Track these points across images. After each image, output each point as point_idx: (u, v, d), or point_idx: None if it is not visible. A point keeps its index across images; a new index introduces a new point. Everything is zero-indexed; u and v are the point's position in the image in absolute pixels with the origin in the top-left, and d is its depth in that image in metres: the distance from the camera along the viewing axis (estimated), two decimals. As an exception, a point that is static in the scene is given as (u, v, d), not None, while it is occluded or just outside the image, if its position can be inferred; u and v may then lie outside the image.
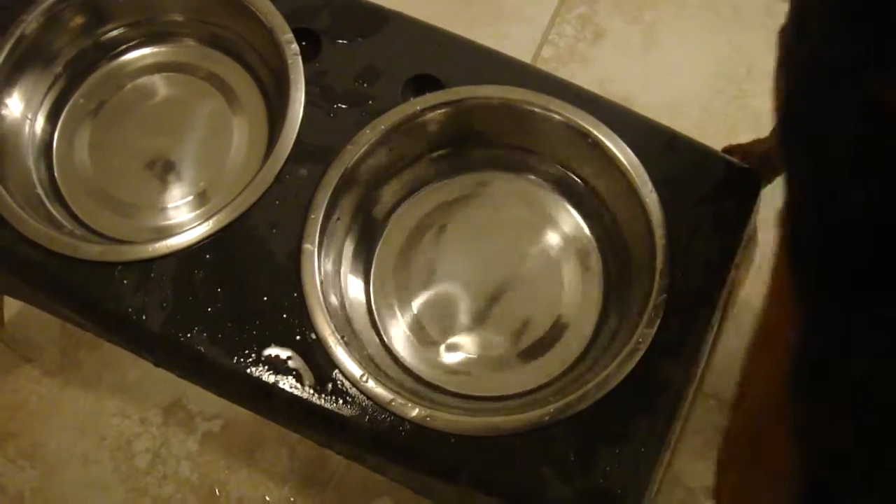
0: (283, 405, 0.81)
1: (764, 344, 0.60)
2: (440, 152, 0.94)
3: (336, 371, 0.80)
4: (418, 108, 0.90)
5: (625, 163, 0.87)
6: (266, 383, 0.81)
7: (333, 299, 0.86)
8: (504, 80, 0.91)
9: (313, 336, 0.82)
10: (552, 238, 0.92)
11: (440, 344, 0.89)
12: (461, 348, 0.88)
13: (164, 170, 0.97)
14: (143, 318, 0.83)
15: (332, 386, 0.80)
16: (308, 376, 0.81)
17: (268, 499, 1.20)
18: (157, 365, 0.90)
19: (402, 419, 0.78)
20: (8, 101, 0.95)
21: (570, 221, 0.93)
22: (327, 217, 0.87)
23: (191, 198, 0.95)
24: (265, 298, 0.84)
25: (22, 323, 1.30)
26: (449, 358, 0.88)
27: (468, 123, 0.92)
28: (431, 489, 0.88)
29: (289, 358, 0.81)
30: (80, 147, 0.98)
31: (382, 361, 0.87)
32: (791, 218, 0.50)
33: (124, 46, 1.02)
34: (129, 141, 0.98)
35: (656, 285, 0.82)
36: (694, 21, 1.45)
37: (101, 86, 1.01)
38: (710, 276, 0.84)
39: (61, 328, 1.29)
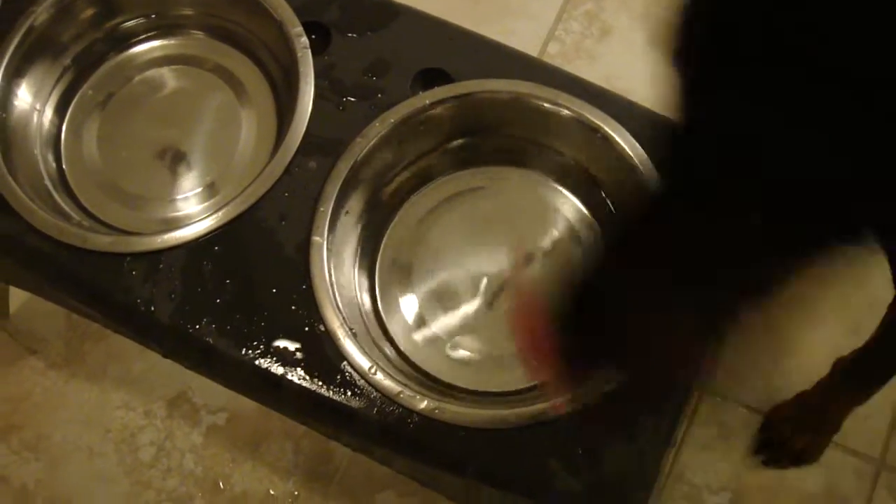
0: (292, 397, 0.81)
1: None
2: (448, 145, 0.94)
3: (344, 363, 0.80)
4: (427, 101, 0.90)
5: (632, 156, 0.87)
6: (274, 375, 0.81)
7: (342, 291, 0.86)
8: (512, 75, 0.91)
9: (322, 328, 0.82)
10: (559, 231, 0.92)
11: (446, 338, 0.89)
12: (468, 342, 0.88)
13: (172, 162, 0.97)
14: (152, 309, 0.84)
15: (341, 378, 0.80)
16: (316, 368, 0.81)
17: (272, 492, 1.20)
18: (165, 356, 0.90)
19: (410, 411, 0.78)
20: (17, 92, 0.95)
21: (577, 214, 0.93)
22: (336, 209, 0.87)
23: (199, 190, 0.96)
24: (274, 290, 0.84)
25: (27, 315, 1.30)
26: (455, 352, 0.88)
27: (477, 117, 0.93)
28: (439, 481, 0.88)
29: (297, 349, 0.82)
30: (88, 139, 0.98)
31: (389, 354, 0.87)
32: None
33: (134, 39, 1.02)
34: (137, 133, 0.98)
35: (664, 280, 0.82)
36: (700, 19, 1.45)
37: (110, 78, 1.01)
38: (717, 271, 0.84)
39: (66, 320, 1.29)
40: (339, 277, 0.87)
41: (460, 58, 0.93)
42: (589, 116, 0.89)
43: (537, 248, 0.92)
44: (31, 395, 1.26)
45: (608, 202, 0.92)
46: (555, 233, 0.92)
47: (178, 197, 0.95)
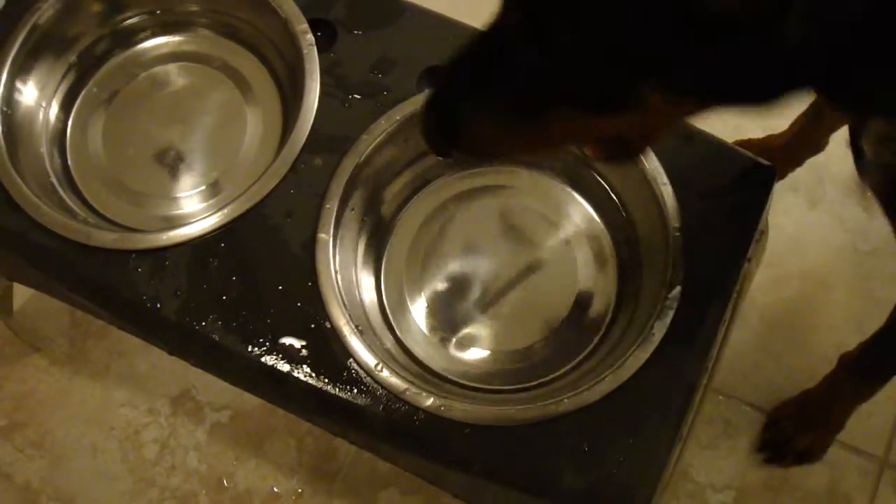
0: (298, 394, 0.81)
1: None
2: (454, 144, 0.94)
3: (350, 360, 0.81)
4: (433, 99, 0.90)
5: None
6: (280, 372, 0.81)
7: (348, 288, 0.86)
8: (519, 73, 0.91)
9: (328, 325, 0.82)
10: (566, 231, 0.92)
11: (452, 337, 0.89)
12: (473, 341, 0.89)
13: (177, 159, 0.97)
14: (158, 306, 0.84)
15: (347, 375, 0.80)
16: (322, 365, 0.81)
17: (276, 490, 1.20)
18: (171, 353, 0.90)
19: (416, 408, 0.78)
20: (22, 88, 0.95)
21: (584, 214, 0.93)
22: (342, 207, 0.87)
23: (204, 187, 0.96)
24: (280, 287, 0.84)
25: (31, 312, 1.30)
26: (461, 349, 0.88)
27: (482, 115, 0.92)
28: (444, 479, 0.88)
29: (303, 346, 0.82)
30: (93, 136, 0.98)
31: (395, 352, 0.87)
32: None
33: (139, 35, 1.02)
34: (142, 130, 0.98)
35: (670, 278, 0.82)
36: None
37: (116, 75, 1.01)
38: (723, 270, 0.84)
39: (70, 318, 1.29)
40: (345, 275, 0.87)
41: (466, 55, 0.92)
42: (595, 114, 0.89)
43: (544, 248, 0.92)
44: (35, 393, 1.26)
45: (615, 201, 0.92)
46: (561, 232, 0.92)
47: (182, 195, 0.95)
